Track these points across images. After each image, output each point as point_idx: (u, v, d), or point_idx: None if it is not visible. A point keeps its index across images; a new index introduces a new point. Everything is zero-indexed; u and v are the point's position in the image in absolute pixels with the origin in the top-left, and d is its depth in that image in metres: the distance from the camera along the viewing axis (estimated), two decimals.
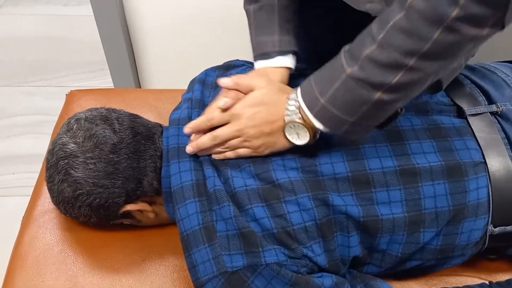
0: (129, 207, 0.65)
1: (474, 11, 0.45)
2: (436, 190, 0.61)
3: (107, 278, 0.66)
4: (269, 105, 0.61)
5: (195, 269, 0.60)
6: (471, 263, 0.73)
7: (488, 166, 0.63)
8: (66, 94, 0.96)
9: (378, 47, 0.51)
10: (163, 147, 0.67)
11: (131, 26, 1.37)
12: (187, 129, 0.64)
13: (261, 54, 0.68)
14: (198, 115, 0.68)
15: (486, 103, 0.69)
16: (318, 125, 0.58)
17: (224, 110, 0.62)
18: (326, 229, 0.59)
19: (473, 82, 0.72)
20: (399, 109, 0.58)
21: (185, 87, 0.82)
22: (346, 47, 0.56)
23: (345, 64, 0.54)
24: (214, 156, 0.64)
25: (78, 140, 0.63)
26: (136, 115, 0.70)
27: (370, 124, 0.58)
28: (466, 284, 0.68)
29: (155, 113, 0.88)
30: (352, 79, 0.53)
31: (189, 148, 0.64)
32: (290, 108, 0.59)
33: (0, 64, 1.87)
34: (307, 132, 0.59)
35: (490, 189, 0.63)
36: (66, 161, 0.62)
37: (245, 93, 0.63)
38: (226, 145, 0.62)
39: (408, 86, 0.52)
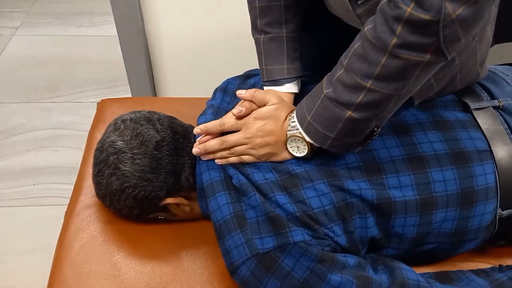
0: (169, 200, 0.71)
1: (410, 40, 0.52)
2: (445, 175, 0.68)
3: (148, 265, 0.72)
4: (277, 119, 0.69)
5: (229, 254, 0.65)
6: (482, 250, 0.78)
7: (494, 154, 0.70)
8: (97, 103, 1.03)
9: (344, 71, 0.59)
10: None
11: (150, 44, 1.46)
12: (197, 129, 0.71)
13: (271, 80, 0.76)
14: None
15: (489, 98, 0.76)
16: (308, 139, 0.66)
17: (238, 118, 0.70)
18: (344, 212, 0.65)
19: (478, 82, 0.80)
20: (375, 128, 0.64)
21: (202, 96, 0.90)
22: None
23: (324, 86, 0.63)
24: (217, 161, 0.71)
25: (126, 138, 0.69)
26: (173, 117, 0.77)
27: (350, 140, 0.64)
28: (479, 268, 0.74)
29: (183, 119, 0.95)
30: (327, 98, 0.62)
31: (196, 150, 0.71)
32: (292, 124, 0.67)
33: (19, 82, 1.95)
34: (306, 146, 0.67)
35: (497, 175, 0.69)
36: (115, 156, 0.69)
37: (259, 106, 0.70)
38: (232, 150, 0.69)
39: (372, 105, 0.59)
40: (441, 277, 0.70)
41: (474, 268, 0.74)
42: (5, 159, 1.62)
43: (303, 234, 0.63)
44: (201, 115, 0.84)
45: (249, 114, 0.70)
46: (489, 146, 0.70)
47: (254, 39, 0.78)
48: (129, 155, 0.68)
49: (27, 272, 1.30)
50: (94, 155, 0.73)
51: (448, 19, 0.50)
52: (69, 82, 1.98)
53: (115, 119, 0.73)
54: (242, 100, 0.71)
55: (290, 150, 0.68)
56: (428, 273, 0.71)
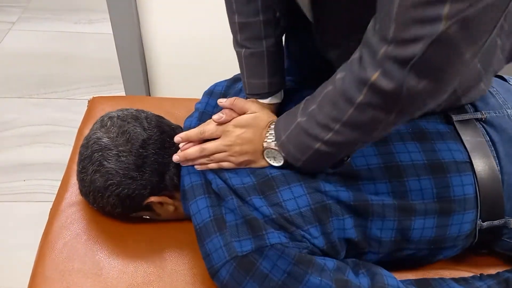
0: (153, 198, 0.72)
1: (375, 101, 0.53)
2: (422, 184, 0.68)
3: (130, 264, 0.72)
4: (256, 128, 0.70)
5: (209, 257, 0.66)
6: (464, 258, 0.79)
7: (474, 165, 0.70)
8: (88, 101, 1.03)
9: (317, 107, 0.61)
10: None
11: (145, 44, 1.46)
12: (178, 138, 0.71)
13: (253, 94, 0.77)
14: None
15: (472, 111, 0.77)
16: (283, 154, 0.66)
17: (218, 124, 0.70)
18: (321, 213, 0.65)
19: None
20: (345, 158, 0.67)
21: (195, 96, 0.90)
22: (308, 97, 0.65)
23: (299, 113, 0.64)
24: (197, 167, 0.71)
25: (112, 135, 0.69)
26: (161, 116, 0.77)
27: (321, 165, 0.66)
28: (460, 276, 0.75)
29: (172, 119, 0.95)
30: (300, 126, 0.63)
31: (176, 157, 0.71)
32: (269, 136, 0.68)
33: (13, 77, 1.94)
34: (282, 157, 0.67)
35: (476, 186, 0.70)
36: (100, 153, 0.69)
37: (239, 114, 0.71)
38: (211, 157, 0.70)
39: (340, 144, 0.61)
40: (422, 284, 0.71)
41: (456, 276, 0.74)
42: None
43: (279, 237, 0.63)
44: (188, 117, 0.84)
45: (229, 121, 0.70)
46: (469, 158, 0.71)
47: (236, 51, 0.78)
48: (114, 152, 0.68)
49: (14, 268, 1.30)
50: (79, 152, 0.73)
51: (411, 91, 0.51)
52: (64, 78, 1.97)
53: (102, 116, 0.74)
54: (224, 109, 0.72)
55: (267, 159, 0.69)
56: (409, 280, 0.72)
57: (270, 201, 0.65)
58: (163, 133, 0.73)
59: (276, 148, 0.67)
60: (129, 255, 0.73)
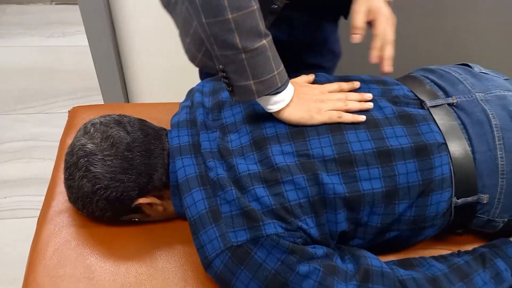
0: (141, 200, 0.73)
1: None
2: (408, 167, 0.72)
3: (122, 266, 0.73)
4: None
5: (203, 248, 0.67)
6: (442, 238, 0.83)
7: (449, 146, 0.74)
8: (68, 111, 1.03)
9: None
10: (171, 144, 0.76)
11: (122, 54, 1.47)
12: (375, 59, 0.79)
13: (287, 77, 0.74)
14: (202, 113, 0.78)
15: (444, 96, 0.81)
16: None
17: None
18: (317, 205, 0.68)
19: (432, 81, 0.85)
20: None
21: (175, 101, 0.91)
22: None
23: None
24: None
25: (96, 141, 0.71)
26: (144, 120, 0.79)
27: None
28: (440, 254, 0.78)
29: (156, 122, 0.97)
30: None
31: (391, 68, 0.78)
32: None
33: None
34: None
35: (451, 166, 0.74)
36: (86, 159, 0.70)
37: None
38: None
39: None
40: (404, 263, 0.74)
41: (435, 255, 0.78)
42: None
43: (275, 227, 0.66)
44: (173, 116, 0.85)
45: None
46: (445, 140, 0.75)
47: (254, 49, 0.68)
48: (99, 157, 0.69)
49: (3, 285, 1.28)
50: (65, 160, 0.74)
51: None
52: (42, 92, 1.96)
53: (84, 124, 0.75)
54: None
55: None
56: (392, 260, 0.75)
57: (273, 191, 0.67)
58: (147, 136, 0.74)
59: None
60: (120, 257, 0.74)
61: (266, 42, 0.69)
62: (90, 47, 1.41)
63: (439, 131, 0.76)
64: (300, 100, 0.75)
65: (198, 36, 0.87)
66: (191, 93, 0.89)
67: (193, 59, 0.93)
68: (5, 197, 1.56)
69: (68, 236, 0.76)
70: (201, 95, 0.85)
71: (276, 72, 0.70)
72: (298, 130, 0.74)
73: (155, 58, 1.49)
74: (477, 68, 0.89)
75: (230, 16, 0.65)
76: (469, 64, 0.90)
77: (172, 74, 1.52)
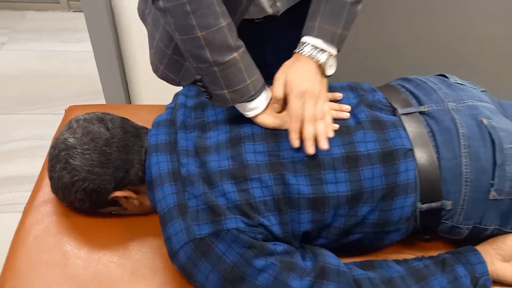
0: (117, 193, 0.77)
1: None
2: (374, 172, 0.74)
3: (95, 255, 0.78)
4: (299, 70, 0.78)
5: (170, 240, 0.71)
6: (410, 244, 0.85)
7: (415, 153, 0.77)
8: (65, 109, 1.09)
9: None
10: (150, 142, 0.80)
11: (125, 60, 1.54)
12: (295, 142, 0.74)
13: (263, 85, 0.78)
14: (183, 114, 0.83)
15: (417, 105, 0.84)
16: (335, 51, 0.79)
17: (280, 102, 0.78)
18: (282, 204, 0.72)
19: (407, 89, 0.88)
20: None
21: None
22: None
23: (346, 4, 0.79)
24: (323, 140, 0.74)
25: (77, 136, 0.76)
26: (127, 118, 0.84)
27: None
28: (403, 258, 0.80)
29: (148, 125, 1.02)
30: (350, 5, 0.79)
31: (312, 149, 0.73)
32: (314, 54, 0.78)
33: (2, 95, 2.01)
34: (333, 59, 0.79)
35: (417, 172, 0.76)
36: (66, 152, 0.75)
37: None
38: (314, 113, 0.76)
39: None
40: (365, 265, 0.76)
41: (400, 259, 0.80)
42: None
43: (237, 222, 0.69)
44: (157, 116, 0.90)
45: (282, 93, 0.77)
46: (412, 146, 0.78)
47: (224, 62, 0.73)
48: (79, 150, 0.74)
49: None
50: (48, 153, 0.79)
51: None
52: (50, 95, 2.04)
53: (70, 120, 0.80)
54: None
55: (327, 72, 0.79)
56: (354, 262, 0.77)
57: (240, 187, 0.71)
58: (126, 133, 0.79)
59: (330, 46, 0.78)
60: (94, 246, 0.79)
61: (237, 54, 0.74)
62: (94, 52, 1.48)
63: (407, 137, 0.78)
64: (299, 98, 0.76)
65: (160, 49, 0.92)
66: (176, 96, 0.93)
67: (155, 70, 0.98)
68: (11, 192, 1.63)
69: (49, 224, 0.81)
70: (185, 97, 0.90)
71: (249, 82, 0.75)
72: (273, 132, 0.78)
73: None
74: (453, 79, 0.91)
75: (199, 34, 0.71)
76: (446, 74, 0.93)
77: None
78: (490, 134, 0.78)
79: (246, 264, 0.68)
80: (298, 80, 0.76)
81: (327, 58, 0.78)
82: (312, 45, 0.78)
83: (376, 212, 0.75)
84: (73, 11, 2.63)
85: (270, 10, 0.83)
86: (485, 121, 0.80)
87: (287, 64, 0.79)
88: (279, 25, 0.87)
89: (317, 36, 0.78)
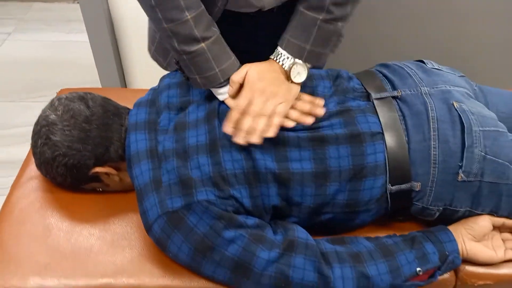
0: (98, 169, 0.81)
1: None
2: (340, 152, 0.76)
3: (76, 227, 0.81)
4: (264, 70, 0.79)
5: (145, 214, 0.74)
6: (385, 225, 0.87)
7: (385, 136, 0.79)
8: (56, 92, 1.13)
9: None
10: (130, 121, 0.83)
11: (121, 50, 1.58)
12: (228, 129, 0.75)
13: (228, 78, 0.79)
14: (167, 95, 0.85)
15: (391, 90, 0.85)
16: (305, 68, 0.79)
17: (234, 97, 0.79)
18: (251, 178, 0.74)
19: (384, 75, 0.89)
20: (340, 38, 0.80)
21: None
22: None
23: (318, 20, 0.77)
24: (247, 139, 0.73)
25: (58, 113, 0.79)
26: (108, 98, 0.87)
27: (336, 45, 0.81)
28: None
29: None
30: (323, 23, 0.76)
31: (239, 140, 0.74)
32: (283, 59, 0.78)
33: (5, 83, 2.07)
34: (303, 66, 0.79)
35: (386, 154, 0.78)
36: (47, 128, 0.78)
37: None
38: (256, 110, 0.76)
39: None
40: (336, 240, 0.79)
41: (372, 236, 0.81)
42: None
43: (207, 194, 0.72)
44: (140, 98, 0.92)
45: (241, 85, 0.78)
46: (382, 130, 0.79)
47: (191, 52, 0.76)
48: (59, 126, 0.78)
49: None
50: (32, 129, 0.82)
51: None
52: (54, 83, 2.09)
53: (52, 98, 0.83)
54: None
55: (293, 79, 0.78)
56: (326, 237, 0.79)
57: (214, 160, 0.74)
58: (106, 112, 0.82)
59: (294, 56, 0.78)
60: (76, 220, 0.82)
61: (205, 45, 0.76)
62: (90, 41, 1.52)
63: (377, 122, 0.80)
64: (250, 92, 0.78)
65: (153, 31, 0.96)
66: (162, 79, 0.96)
67: (149, 49, 1.03)
68: (13, 176, 1.68)
69: (34, 199, 0.85)
70: (170, 80, 0.92)
71: (217, 70, 0.78)
72: None
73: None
74: (430, 64, 0.92)
75: (165, 26, 0.75)
76: (424, 60, 0.94)
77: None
78: (460, 117, 0.79)
79: (216, 235, 0.70)
80: (256, 76, 0.77)
81: (292, 66, 0.78)
82: (281, 54, 0.79)
83: (346, 193, 0.77)
84: (77, 3, 2.67)
85: (255, 3, 0.83)
86: (456, 104, 0.81)
87: (256, 63, 0.80)
88: (276, 20, 0.87)
89: (285, 49, 0.79)
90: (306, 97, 0.82)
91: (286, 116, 0.78)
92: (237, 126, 0.75)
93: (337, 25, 0.79)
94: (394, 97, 0.84)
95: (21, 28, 2.44)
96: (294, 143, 0.76)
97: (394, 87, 0.86)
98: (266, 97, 0.77)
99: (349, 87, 0.86)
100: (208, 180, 0.73)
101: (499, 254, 0.81)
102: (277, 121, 0.76)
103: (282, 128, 0.77)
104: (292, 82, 0.79)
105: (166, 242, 0.73)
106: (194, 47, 0.76)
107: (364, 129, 0.78)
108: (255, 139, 0.73)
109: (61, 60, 2.23)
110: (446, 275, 0.81)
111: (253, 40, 0.93)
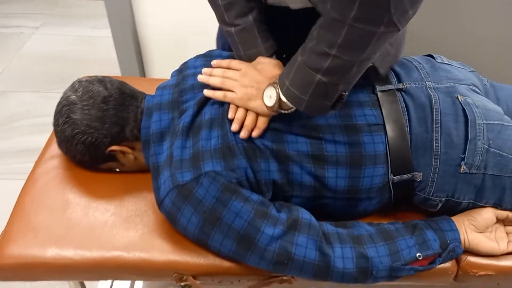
0: (114, 147, 0.85)
1: (365, 14, 0.61)
2: (335, 138, 0.79)
3: (93, 203, 0.86)
4: (263, 73, 0.81)
5: (158, 190, 0.78)
6: (390, 213, 0.89)
7: (387, 127, 0.80)
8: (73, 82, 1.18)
9: (315, 40, 0.69)
10: (147, 104, 0.87)
11: (142, 45, 1.63)
12: (213, 62, 0.86)
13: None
14: (193, 78, 0.90)
15: (396, 82, 0.87)
16: (286, 101, 0.74)
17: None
18: (251, 153, 0.78)
19: (391, 68, 0.91)
20: (343, 93, 0.72)
21: None
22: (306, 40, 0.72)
23: (299, 54, 0.72)
24: (207, 81, 0.83)
25: (78, 94, 0.84)
26: (126, 82, 0.92)
27: (323, 103, 0.73)
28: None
29: None
30: (301, 64, 0.71)
31: (201, 77, 0.84)
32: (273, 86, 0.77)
33: (32, 75, 2.16)
34: (276, 96, 0.75)
35: (387, 145, 0.80)
36: (68, 107, 0.83)
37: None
38: (222, 82, 0.82)
39: (338, 70, 0.68)
40: (338, 224, 0.81)
41: (375, 222, 0.83)
42: (10, 139, 1.82)
43: (213, 165, 0.75)
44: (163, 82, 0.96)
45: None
46: (384, 121, 0.81)
47: (226, 31, 0.86)
48: (79, 106, 0.83)
49: None
50: (54, 110, 0.88)
51: None
52: (77, 75, 2.13)
53: (74, 81, 0.89)
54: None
55: (265, 97, 0.78)
56: (330, 222, 0.82)
57: (222, 132, 0.78)
58: (123, 93, 0.87)
59: (281, 93, 0.75)
60: (93, 197, 0.87)
61: (233, 30, 0.84)
62: (113, 37, 1.58)
63: (378, 114, 0.82)
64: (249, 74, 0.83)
65: None
66: (185, 63, 0.99)
67: None
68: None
69: (55, 175, 0.90)
70: (194, 64, 0.96)
71: (242, 53, 0.86)
72: None
73: (173, 49, 1.63)
74: (439, 59, 0.94)
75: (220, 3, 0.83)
76: (433, 55, 0.96)
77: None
78: (464, 110, 0.81)
79: (222, 206, 0.73)
80: (251, 66, 0.83)
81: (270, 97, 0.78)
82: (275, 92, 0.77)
83: (346, 179, 0.80)
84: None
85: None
86: (460, 98, 0.83)
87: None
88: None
89: (284, 95, 0.75)
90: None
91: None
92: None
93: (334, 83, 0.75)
94: (398, 89, 0.86)
95: (48, 23, 2.54)
96: (289, 130, 0.80)
97: (399, 80, 0.88)
98: (239, 78, 0.82)
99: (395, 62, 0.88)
100: (216, 151, 0.76)
101: (502, 246, 0.82)
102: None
103: (274, 119, 0.80)
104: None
105: (177, 215, 0.76)
106: (226, 28, 0.85)
107: (360, 121, 0.81)
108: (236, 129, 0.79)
109: (84, 54, 2.31)
110: (447, 264, 0.82)
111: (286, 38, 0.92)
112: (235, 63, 0.85)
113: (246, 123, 0.79)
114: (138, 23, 1.59)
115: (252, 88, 0.80)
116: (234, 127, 0.79)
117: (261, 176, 0.78)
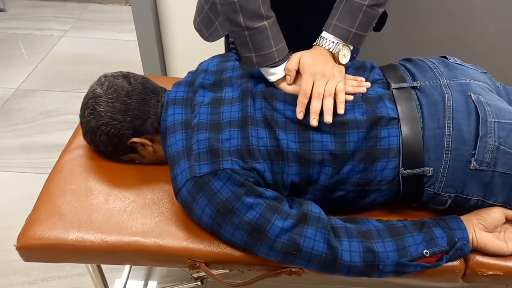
0: (135, 139, 0.90)
1: None
2: (360, 136, 0.81)
3: (114, 191, 0.91)
4: (313, 55, 0.85)
5: (175, 179, 0.82)
6: (400, 211, 0.91)
7: (401, 123, 0.83)
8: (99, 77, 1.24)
9: None
10: (167, 98, 0.92)
11: (165, 47, 1.69)
12: (300, 114, 0.82)
13: (284, 58, 0.86)
14: (203, 77, 0.94)
15: (411, 81, 0.90)
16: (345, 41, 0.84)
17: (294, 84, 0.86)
18: (273, 155, 0.80)
19: (406, 68, 0.94)
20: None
21: None
22: None
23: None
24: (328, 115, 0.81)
25: (104, 88, 0.90)
26: (148, 78, 0.97)
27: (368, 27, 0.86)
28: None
29: None
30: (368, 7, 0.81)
31: (315, 122, 0.81)
32: (328, 44, 0.85)
33: (61, 75, 2.25)
34: (347, 48, 0.85)
35: (400, 139, 0.82)
36: (93, 100, 0.89)
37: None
38: (321, 92, 0.82)
39: None
40: (348, 219, 0.83)
41: (384, 219, 0.84)
42: (40, 135, 1.90)
43: (232, 164, 0.78)
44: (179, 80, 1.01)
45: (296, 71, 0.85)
46: (398, 116, 0.83)
47: (255, 28, 0.82)
48: (104, 99, 0.88)
49: None
50: (81, 103, 0.93)
51: None
52: None
53: (100, 76, 0.94)
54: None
55: (340, 61, 0.85)
56: (339, 217, 0.84)
57: (242, 135, 0.81)
58: (145, 88, 0.92)
59: (340, 41, 0.84)
60: (114, 185, 0.92)
61: (267, 23, 0.83)
62: (138, 40, 1.65)
63: (394, 108, 0.84)
64: (311, 76, 0.84)
65: (201, 3, 1.05)
66: (200, 64, 1.04)
67: (194, 21, 1.11)
68: None
69: (79, 163, 0.96)
70: (207, 65, 1.00)
71: (274, 49, 0.85)
72: (271, 92, 0.87)
73: (195, 54, 1.69)
74: (452, 60, 0.96)
75: (235, 0, 0.81)
76: (446, 56, 0.98)
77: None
78: (476, 107, 0.82)
79: (237, 199, 0.77)
80: (310, 62, 0.84)
81: (338, 49, 0.86)
82: (326, 39, 0.86)
83: (359, 173, 0.82)
84: (129, 5, 2.86)
85: None
86: (473, 96, 0.84)
87: (304, 50, 0.87)
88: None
89: (332, 33, 0.86)
90: (349, 76, 0.90)
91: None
92: (308, 110, 0.81)
93: (379, 10, 0.86)
94: (413, 88, 0.88)
95: (77, 26, 2.65)
96: (316, 127, 0.82)
97: (414, 79, 0.90)
98: (327, 78, 0.83)
99: (370, 78, 0.91)
100: (235, 152, 0.79)
101: (510, 246, 0.82)
102: (342, 97, 0.82)
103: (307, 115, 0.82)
104: (339, 63, 0.86)
105: (192, 204, 0.80)
106: (258, 24, 0.82)
107: (383, 113, 0.83)
108: (329, 118, 0.80)
109: (110, 56, 2.40)
110: (455, 263, 0.83)
111: (298, 34, 0.96)
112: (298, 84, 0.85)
113: (327, 108, 0.81)
114: (162, 29, 1.65)
115: (332, 69, 0.84)
116: (315, 122, 0.80)
117: (279, 178, 0.81)
